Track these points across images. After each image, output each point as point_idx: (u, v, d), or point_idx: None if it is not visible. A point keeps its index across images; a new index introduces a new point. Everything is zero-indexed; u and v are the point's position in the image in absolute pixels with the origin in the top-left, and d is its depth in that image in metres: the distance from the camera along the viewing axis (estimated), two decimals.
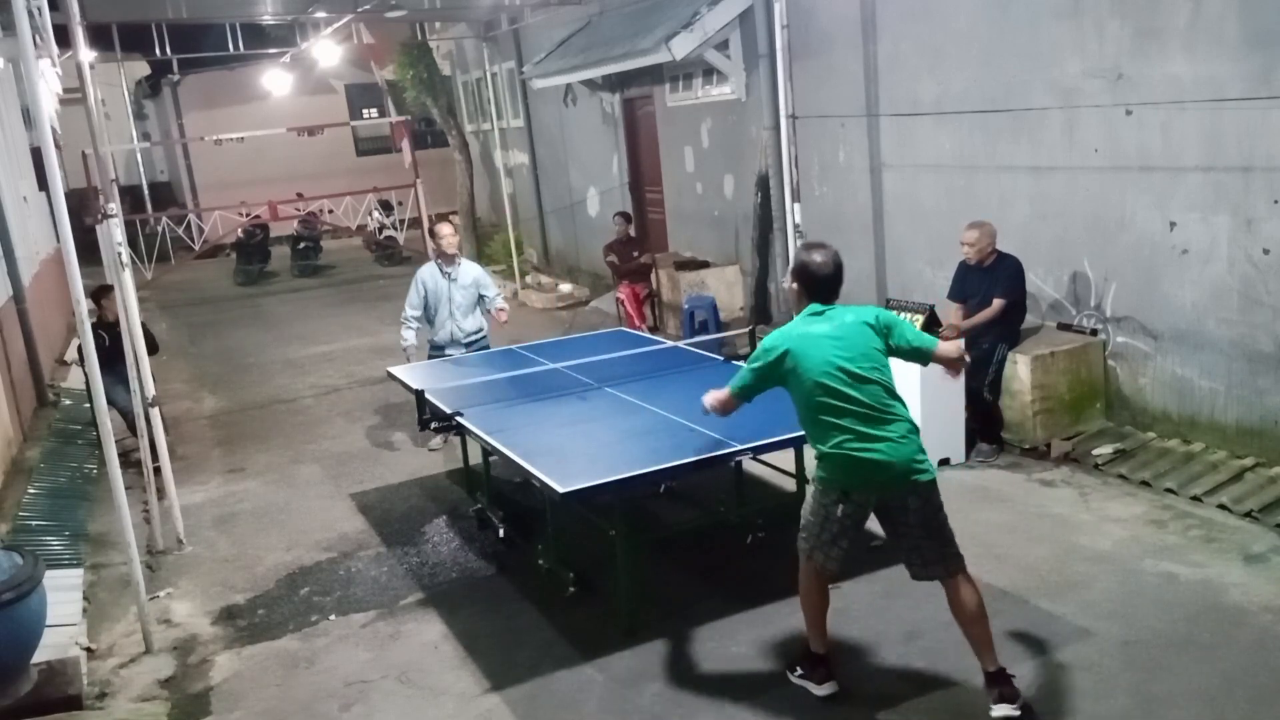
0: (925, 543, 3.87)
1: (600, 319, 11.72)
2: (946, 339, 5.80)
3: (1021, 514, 5.75)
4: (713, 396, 4.22)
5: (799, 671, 4.20)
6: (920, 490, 3.82)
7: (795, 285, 4.00)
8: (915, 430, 3.86)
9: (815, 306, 3.92)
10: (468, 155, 17.60)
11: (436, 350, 7.68)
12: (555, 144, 15.31)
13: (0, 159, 10.29)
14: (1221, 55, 5.63)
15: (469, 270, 7.71)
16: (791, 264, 3.96)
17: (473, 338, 7.68)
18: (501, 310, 7.70)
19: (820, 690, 4.11)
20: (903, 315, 6.45)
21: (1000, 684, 3.85)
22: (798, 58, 7.85)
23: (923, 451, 3.85)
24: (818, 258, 3.91)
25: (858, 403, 3.76)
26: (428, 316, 7.66)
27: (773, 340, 3.90)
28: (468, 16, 15.91)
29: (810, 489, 4.05)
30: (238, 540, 6.40)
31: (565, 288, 13.55)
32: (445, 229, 7.77)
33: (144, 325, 6.38)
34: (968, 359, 4.02)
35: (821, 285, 3.92)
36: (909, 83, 7.92)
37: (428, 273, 7.66)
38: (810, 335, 3.83)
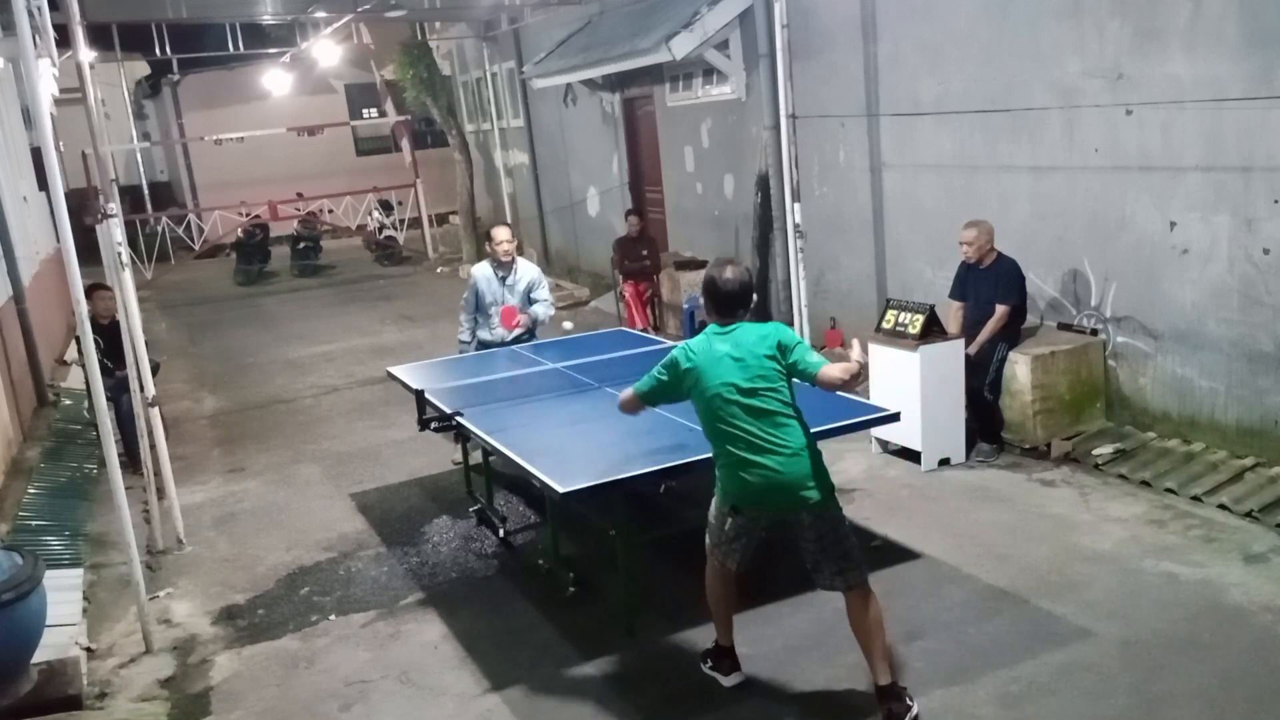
0: (822, 559, 3.94)
1: (600, 319, 11.72)
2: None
3: (1022, 514, 5.75)
4: (623, 395, 4.36)
5: (709, 663, 4.33)
6: (812, 509, 3.86)
7: (704, 300, 4.05)
8: (806, 450, 3.86)
9: (716, 327, 3.97)
10: (468, 155, 17.60)
11: (484, 348, 7.36)
12: (555, 144, 15.31)
13: (0, 159, 10.29)
14: (1222, 55, 5.63)
15: (525, 274, 7.24)
16: (703, 280, 4.08)
17: (518, 336, 7.30)
18: (521, 314, 7.13)
19: (728, 681, 4.25)
20: (903, 315, 6.47)
21: (890, 700, 3.87)
22: (798, 57, 7.85)
23: (816, 472, 3.86)
24: (727, 274, 3.95)
25: (744, 427, 3.83)
26: (479, 313, 7.31)
27: (679, 355, 4.00)
28: (468, 16, 15.92)
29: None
30: (238, 540, 6.40)
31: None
32: (501, 234, 7.13)
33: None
34: (862, 360, 4.01)
35: (725, 302, 3.94)
36: (909, 82, 7.92)
37: (481, 273, 7.25)
38: (713, 353, 3.89)
